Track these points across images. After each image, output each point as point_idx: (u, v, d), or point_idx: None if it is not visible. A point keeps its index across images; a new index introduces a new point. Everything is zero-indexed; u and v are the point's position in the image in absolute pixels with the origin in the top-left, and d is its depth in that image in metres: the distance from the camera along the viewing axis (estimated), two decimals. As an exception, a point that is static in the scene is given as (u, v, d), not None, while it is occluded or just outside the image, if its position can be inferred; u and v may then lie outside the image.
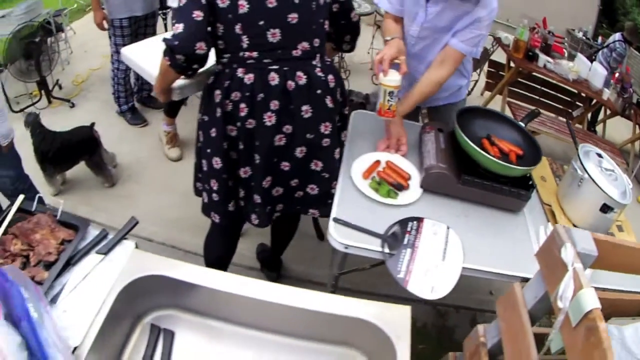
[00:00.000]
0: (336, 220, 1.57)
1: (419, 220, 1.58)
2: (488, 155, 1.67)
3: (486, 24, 1.88)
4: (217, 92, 1.62)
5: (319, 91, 1.65)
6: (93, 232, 1.48)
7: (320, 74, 1.65)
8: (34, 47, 3.62)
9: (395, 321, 1.22)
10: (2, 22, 3.49)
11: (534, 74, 4.42)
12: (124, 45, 3.26)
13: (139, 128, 3.74)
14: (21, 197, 1.54)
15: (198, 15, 1.47)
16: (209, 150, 1.72)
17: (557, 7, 6.53)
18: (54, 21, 3.79)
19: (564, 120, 4.43)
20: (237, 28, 1.52)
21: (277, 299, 1.26)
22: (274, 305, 1.27)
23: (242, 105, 1.60)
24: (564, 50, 5.12)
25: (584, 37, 6.42)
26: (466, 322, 2.56)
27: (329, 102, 1.68)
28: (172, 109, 3.36)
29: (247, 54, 1.56)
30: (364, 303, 1.26)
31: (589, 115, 4.85)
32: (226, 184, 1.76)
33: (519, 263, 1.54)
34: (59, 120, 2.99)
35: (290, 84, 1.59)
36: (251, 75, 1.57)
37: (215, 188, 1.77)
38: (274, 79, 1.57)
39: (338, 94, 1.73)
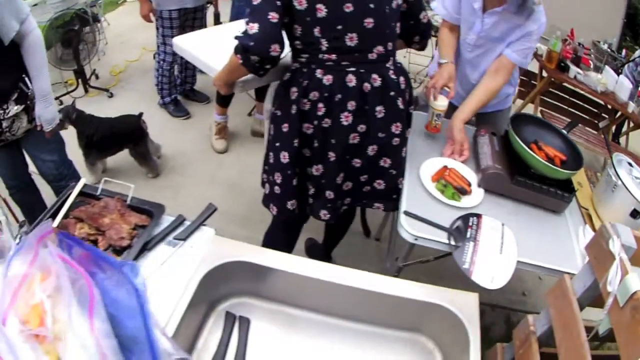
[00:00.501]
0: (407, 213, 1.69)
1: (478, 216, 1.70)
2: (539, 158, 1.80)
3: (535, 37, 2.02)
4: (294, 89, 1.68)
5: (392, 93, 1.72)
6: (167, 219, 1.50)
7: (393, 76, 1.72)
8: (74, 35, 3.66)
9: (465, 307, 1.30)
10: (36, 9, 3.52)
11: (564, 84, 4.45)
12: (172, 37, 3.30)
13: (182, 120, 3.81)
14: (83, 180, 1.58)
15: (273, 17, 1.51)
16: (277, 144, 1.78)
17: (584, 19, 6.58)
18: (90, 11, 3.84)
19: (592, 130, 4.47)
20: (316, 31, 1.57)
21: (353, 283, 1.32)
22: (349, 290, 1.32)
23: (320, 104, 1.66)
24: (590, 61, 5.16)
25: (609, 50, 6.46)
26: (501, 320, 2.65)
27: (400, 103, 1.76)
28: (224, 99, 3.39)
29: (326, 56, 1.61)
30: (437, 289, 1.34)
31: (614, 126, 4.89)
32: (290, 180, 1.82)
33: (562, 259, 1.67)
34: (96, 110, 3.05)
35: (367, 85, 1.66)
36: (330, 77, 1.63)
37: (278, 181, 1.83)
38: (352, 80, 1.63)
39: (407, 94, 1.82)
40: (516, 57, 2.05)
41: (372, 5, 1.57)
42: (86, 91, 4.02)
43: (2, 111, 2.10)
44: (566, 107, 4.69)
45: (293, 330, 1.40)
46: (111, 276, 1.03)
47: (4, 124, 2.15)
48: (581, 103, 4.75)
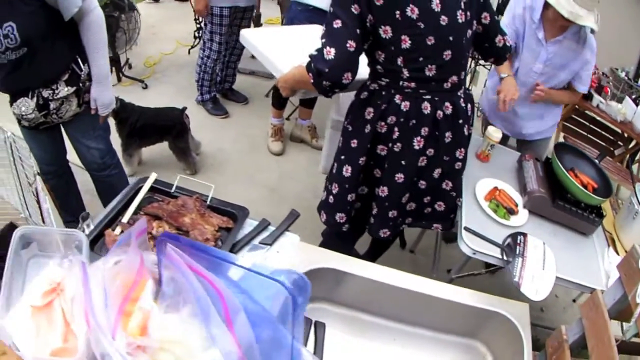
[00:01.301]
0: (467, 229, 1.87)
1: (524, 235, 1.89)
2: (578, 185, 2.00)
3: (592, 64, 2.29)
4: (370, 109, 1.77)
5: (460, 120, 1.82)
6: (249, 222, 1.51)
7: (462, 104, 1.81)
8: (113, 22, 3.68)
9: (519, 315, 1.43)
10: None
11: (586, 112, 4.58)
12: (221, 34, 3.47)
13: (220, 119, 3.89)
14: (154, 175, 1.61)
15: (351, 45, 1.56)
16: (342, 157, 1.88)
17: (602, 45, 6.63)
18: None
19: (610, 159, 4.62)
20: (399, 60, 1.64)
21: (422, 290, 1.44)
22: (417, 296, 1.43)
23: (396, 129, 1.75)
24: (609, 89, 5.28)
25: (627, 77, 6.54)
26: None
27: (465, 129, 1.87)
28: (280, 103, 3.48)
29: (406, 83, 1.68)
30: (495, 297, 1.47)
31: (628, 155, 5.07)
32: (346, 193, 1.91)
33: (589, 276, 1.88)
34: (129, 100, 3.06)
35: (439, 113, 1.74)
36: (407, 103, 1.70)
37: (334, 191, 1.94)
38: (427, 108, 1.72)
39: (471, 120, 1.94)
40: (583, 87, 2.33)
41: (451, 38, 1.64)
42: (119, 80, 4.08)
43: (51, 91, 2.08)
44: (585, 134, 4.79)
45: (364, 335, 1.50)
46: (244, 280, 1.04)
47: (52, 105, 2.12)
48: (599, 130, 4.88)
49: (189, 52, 4.84)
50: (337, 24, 1.57)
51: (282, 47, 2.18)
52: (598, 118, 4.72)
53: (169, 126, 3.10)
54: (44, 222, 2.27)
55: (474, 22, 1.76)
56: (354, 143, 1.83)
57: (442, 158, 1.85)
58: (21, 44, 1.88)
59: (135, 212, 1.51)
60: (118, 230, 1.48)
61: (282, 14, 4.13)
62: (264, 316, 0.96)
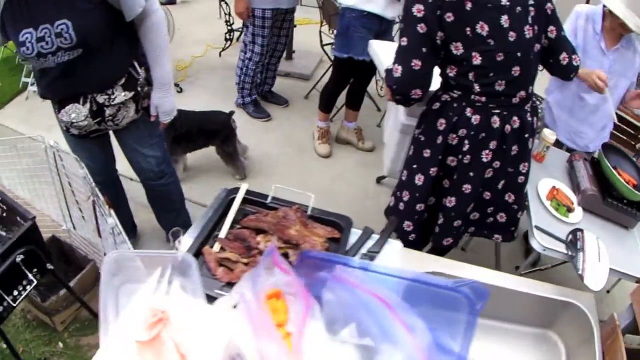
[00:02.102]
0: (537, 227, 1.99)
1: (582, 231, 1.98)
2: (624, 183, 2.14)
3: None
4: (442, 121, 1.83)
5: (527, 135, 1.88)
6: (353, 231, 1.49)
7: (529, 118, 1.87)
8: None
9: (589, 306, 1.50)
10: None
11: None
12: (264, 36, 3.49)
13: (263, 122, 3.91)
14: (245, 185, 1.57)
15: (416, 64, 1.66)
16: (415, 166, 1.95)
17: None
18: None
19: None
20: (471, 76, 1.72)
21: (500, 284, 1.48)
22: (497, 290, 1.46)
23: (466, 141, 1.81)
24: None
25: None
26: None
27: (530, 143, 1.94)
28: (327, 106, 3.51)
29: (477, 97, 1.75)
30: (566, 289, 1.53)
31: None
32: (416, 202, 1.99)
33: (633, 266, 2.02)
34: None
35: (508, 127, 1.81)
36: (478, 117, 1.77)
37: (405, 199, 2.02)
38: (496, 122, 1.78)
39: (535, 134, 2.01)
40: None
41: (519, 54, 1.70)
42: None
43: (106, 97, 1.94)
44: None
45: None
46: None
47: (108, 112, 1.98)
48: (621, 125, 4.88)
49: (220, 55, 4.87)
50: (404, 42, 1.69)
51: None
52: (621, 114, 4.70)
53: (216, 130, 3.05)
54: (100, 237, 2.12)
55: (542, 36, 1.81)
56: (426, 153, 1.90)
57: (507, 170, 1.93)
58: (77, 45, 1.75)
59: (231, 227, 1.46)
60: (217, 247, 1.43)
61: (322, 17, 4.12)
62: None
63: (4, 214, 1.90)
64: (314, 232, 1.43)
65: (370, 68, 3.20)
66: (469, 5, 1.59)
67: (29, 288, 1.79)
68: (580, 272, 1.80)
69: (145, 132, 2.18)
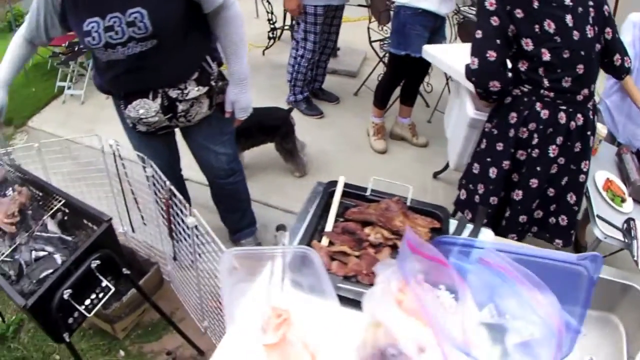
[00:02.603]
0: (599, 217, 2.03)
1: (634, 220, 2.02)
2: None
3: None
4: (514, 114, 1.89)
5: (589, 132, 1.93)
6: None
7: (591, 116, 1.92)
8: None
9: None
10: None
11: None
12: (315, 33, 3.49)
13: (315, 119, 3.90)
14: (342, 178, 1.57)
15: (491, 55, 1.74)
16: (488, 159, 2.00)
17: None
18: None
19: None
20: (540, 71, 1.79)
21: None
22: None
23: (535, 135, 1.87)
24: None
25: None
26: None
27: (591, 141, 1.98)
28: (382, 102, 3.52)
29: (545, 92, 1.81)
30: (628, 272, 1.47)
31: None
32: (490, 195, 2.03)
33: None
34: None
35: (573, 124, 1.86)
36: (546, 112, 1.83)
37: (480, 192, 2.05)
38: (562, 118, 1.84)
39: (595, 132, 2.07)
40: None
41: (582, 53, 1.77)
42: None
43: (179, 91, 1.87)
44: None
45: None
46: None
47: (180, 107, 1.90)
48: None
49: (263, 53, 4.87)
50: (479, 34, 1.78)
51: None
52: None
53: (275, 126, 3.04)
54: (172, 238, 2.12)
55: (601, 36, 1.86)
56: (499, 146, 1.95)
57: (570, 167, 1.96)
58: (151, 35, 1.67)
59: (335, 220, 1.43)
60: (325, 240, 1.39)
61: (370, 13, 4.13)
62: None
63: (65, 217, 1.86)
64: (415, 222, 1.42)
65: (424, 65, 3.19)
66: (535, 3, 1.69)
67: (101, 295, 1.70)
68: (635, 258, 1.88)
69: (216, 129, 2.12)
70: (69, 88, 4.42)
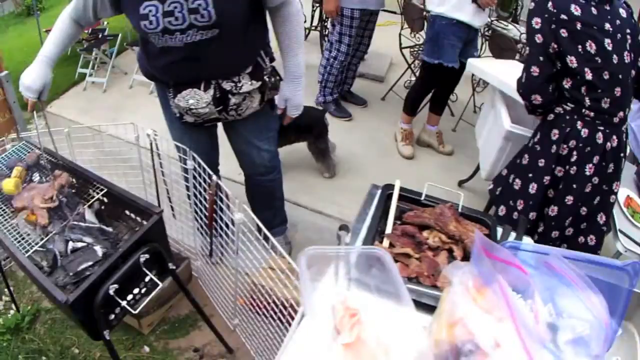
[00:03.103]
0: (621, 231, 2.15)
1: None
2: None
3: None
4: (555, 131, 1.97)
5: (622, 154, 2.01)
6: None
7: (624, 139, 2.00)
8: None
9: None
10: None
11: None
12: (350, 36, 3.55)
13: (344, 121, 3.95)
14: (398, 182, 1.62)
15: (535, 71, 1.87)
16: (530, 175, 2.06)
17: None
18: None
19: None
20: (583, 89, 1.87)
21: None
22: None
23: (575, 152, 1.94)
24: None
25: None
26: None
27: (622, 164, 2.05)
28: (411, 108, 3.58)
29: (586, 111, 1.89)
30: None
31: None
32: (529, 210, 2.07)
33: None
34: None
35: (608, 145, 1.93)
36: (586, 130, 1.91)
37: (519, 208, 2.10)
38: (600, 138, 1.91)
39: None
40: None
41: (620, 76, 1.85)
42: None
43: (232, 84, 1.85)
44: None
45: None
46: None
47: (233, 100, 1.88)
48: None
49: None
50: (528, 51, 1.92)
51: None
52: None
53: (310, 126, 3.06)
54: (210, 234, 2.16)
55: (636, 63, 1.94)
56: (541, 162, 2.01)
57: (602, 187, 2.02)
58: (214, 24, 1.64)
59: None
60: (386, 242, 1.43)
61: (402, 20, 4.21)
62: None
63: (102, 207, 1.85)
64: (467, 228, 1.48)
65: (456, 74, 3.29)
66: (578, 25, 1.78)
67: (144, 290, 1.65)
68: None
69: (263, 125, 2.12)
70: (90, 75, 4.43)
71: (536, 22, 1.83)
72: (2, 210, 1.84)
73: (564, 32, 1.78)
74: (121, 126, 2.24)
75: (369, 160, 3.52)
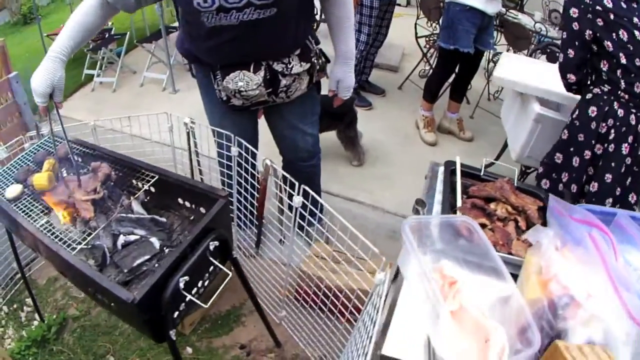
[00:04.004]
0: None
1: None
2: None
3: None
4: (594, 108, 2.07)
5: None
6: None
7: None
8: None
9: None
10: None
11: None
12: (370, 25, 3.64)
13: (364, 111, 4.01)
14: (458, 158, 1.73)
15: (571, 53, 2.04)
16: (571, 149, 2.18)
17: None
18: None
19: None
20: (619, 72, 1.97)
21: None
22: None
23: (612, 131, 2.03)
24: None
25: None
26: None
27: None
28: (432, 95, 3.67)
29: (622, 93, 1.99)
30: None
31: None
32: (572, 182, 2.18)
33: None
34: None
35: None
36: (622, 111, 2.01)
37: (564, 180, 2.22)
38: (633, 120, 2.01)
39: None
40: None
41: None
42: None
43: (283, 65, 1.83)
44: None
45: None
46: None
47: (283, 82, 1.85)
48: None
49: None
50: (564, 35, 2.06)
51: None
52: None
53: (341, 113, 3.09)
54: (261, 222, 2.14)
55: None
56: (580, 137, 2.12)
57: (634, 168, 2.11)
58: (273, 2, 1.62)
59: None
60: (459, 215, 1.53)
61: (419, 10, 4.27)
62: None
63: (148, 198, 1.78)
64: (524, 200, 1.58)
65: (474, 61, 3.40)
66: (612, 16, 1.93)
67: (207, 282, 1.54)
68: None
69: (309, 108, 2.12)
70: (98, 76, 4.44)
71: (573, 11, 1.98)
72: (35, 207, 1.69)
73: (599, 22, 1.92)
74: (164, 115, 2.12)
75: (394, 148, 3.60)
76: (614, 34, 1.93)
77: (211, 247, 1.48)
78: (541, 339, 1.01)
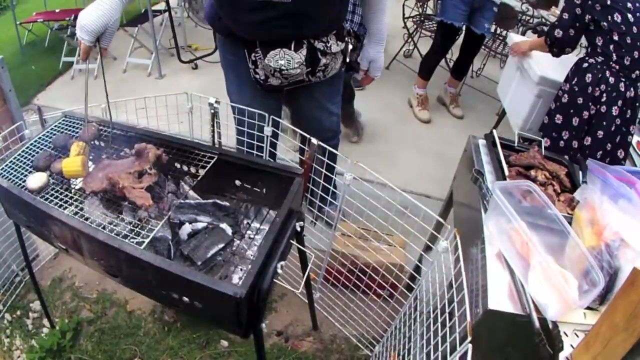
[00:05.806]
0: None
1: None
2: None
3: None
4: (589, 75, 2.39)
5: (637, 104, 2.43)
6: None
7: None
8: None
9: None
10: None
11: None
12: (356, 5, 3.59)
13: (356, 90, 3.97)
14: (495, 132, 1.84)
15: (572, 32, 2.39)
16: (571, 111, 2.48)
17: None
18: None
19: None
20: (611, 47, 2.31)
21: None
22: None
23: (604, 94, 2.38)
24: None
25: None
26: None
27: (638, 112, 2.48)
28: (426, 73, 3.83)
29: (613, 64, 2.33)
30: None
31: None
32: (572, 139, 2.48)
33: None
34: None
35: (628, 93, 2.38)
36: (613, 79, 2.37)
37: (565, 137, 2.52)
38: (622, 87, 2.37)
39: None
40: None
41: (639, 43, 2.32)
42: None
43: (323, 44, 1.81)
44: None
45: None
46: None
47: (323, 61, 1.84)
48: None
49: None
50: (565, 15, 2.37)
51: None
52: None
53: None
54: (312, 201, 2.08)
55: None
56: (580, 100, 2.44)
57: (622, 129, 2.45)
58: None
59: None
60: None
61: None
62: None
63: (194, 181, 1.61)
64: (553, 167, 1.73)
65: (477, 41, 3.62)
66: (608, 1, 2.27)
67: (280, 265, 1.36)
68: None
69: (337, 88, 2.13)
70: (77, 63, 4.35)
71: None
72: (65, 197, 1.48)
73: (597, 6, 2.26)
74: (184, 95, 1.99)
75: (390, 126, 3.74)
76: (609, 17, 2.27)
77: (298, 229, 1.45)
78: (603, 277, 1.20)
